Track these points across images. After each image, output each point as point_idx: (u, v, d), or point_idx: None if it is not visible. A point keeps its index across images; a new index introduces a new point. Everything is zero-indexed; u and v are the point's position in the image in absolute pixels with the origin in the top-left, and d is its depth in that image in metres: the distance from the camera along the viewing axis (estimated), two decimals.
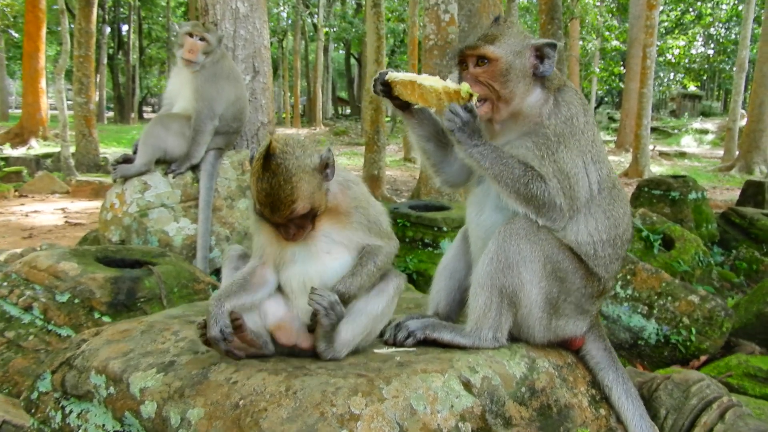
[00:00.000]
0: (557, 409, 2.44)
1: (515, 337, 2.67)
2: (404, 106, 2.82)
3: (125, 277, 4.51)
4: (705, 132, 40.10)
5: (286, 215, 2.33)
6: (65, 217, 13.62)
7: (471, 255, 2.92)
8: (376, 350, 2.43)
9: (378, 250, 2.58)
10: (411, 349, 2.53)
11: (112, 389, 2.39)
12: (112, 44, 52.98)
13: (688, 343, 5.51)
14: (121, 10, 52.75)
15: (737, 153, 26.83)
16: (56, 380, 2.63)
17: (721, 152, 31.33)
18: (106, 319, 4.33)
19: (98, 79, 37.86)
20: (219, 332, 2.27)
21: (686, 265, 7.84)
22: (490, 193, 2.77)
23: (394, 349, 2.54)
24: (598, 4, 37.43)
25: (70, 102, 25.04)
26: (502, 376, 2.35)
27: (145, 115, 58.57)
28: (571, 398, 2.52)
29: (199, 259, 5.96)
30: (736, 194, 17.44)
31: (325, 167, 2.45)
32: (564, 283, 2.62)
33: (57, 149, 20.21)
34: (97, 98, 27.94)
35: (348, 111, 64.13)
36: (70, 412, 2.54)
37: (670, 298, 5.65)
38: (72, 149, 19.10)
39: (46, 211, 14.07)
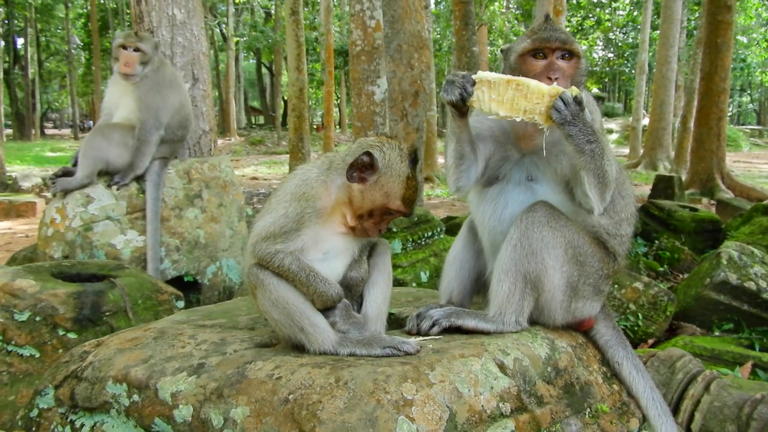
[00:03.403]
0: (579, 386, 2.56)
1: (532, 321, 2.76)
2: (463, 113, 2.77)
3: (88, 292, 4.35)
4: (610, 132, 42.08)
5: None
6: None
7: (482, 246, 3.02)
8: (405, 340, 2.46)
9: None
10: (437, 337, 2.60)
11: (136, 397, 2.33)
12: (7, 58, 50.44)
13: (636, 328, 5.81)
14: (15, 22, 50.32)
15: (642, 151, 28.31)
16: (63, 394, 2.52)
17: (626, 150, 32.91)
18: (71, 335, 4.17)
19: None
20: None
21: None
22: (507, 190, 2.88)
23: (421, 338, 2.60)
24: (504, 10, 38.69)
25: None
26: (530, 358, 2.45)
27: (47, 131, 55.97)
28: (588, 376, 2.64)
29: (150, 270, 5.80)
30: (644, 189, 18.40)
31: None
32: (584, 266, 2.73)
33: None
34: None
35: (261, 120, 63.50)
36: (81, 426, 2.45)
37: (616, 286, 5.94)
38: None
39: None
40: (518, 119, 2.59)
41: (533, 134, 2.85)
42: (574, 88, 2.61)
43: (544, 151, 2.69)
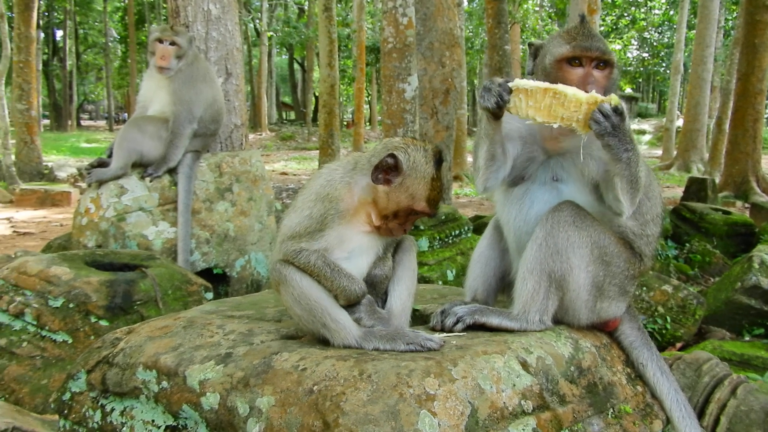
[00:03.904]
0: (602, 386, 2.57)
1: (557, 320, 2.78)
2: (498, 117, 2.76)
3: (120, 281, 4.45)
4: (643, 132, 41.49)
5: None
6: (12, 227, 13.17)
7: (507, 245, 3.03)
8: (428, 336, 2.49)
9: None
10: (461, 333, 2.62)
11: (165, 384, 2.40)
12: (47, 50, 51.47)
13: (664, 331, 5.76)
14: (55, 14, 51.35)
15: (675, 152, 27.89)
16: (94, 379, 2.60)
17: (658, 152, 32.44)
18: (103, 323, 4.27)
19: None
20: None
21: None
22: (532, 189, 2.89)
23: (444, 334, 2.63)
24: (537, 9, 38.36)
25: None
26: (553, 356, 2.46)
27: (83, 123, 56.92)
28: (612, 376, 2.65)
29: (180, 262, 5.89)
30: (677, 191, 18.15)
31: None
32: (609, 266, 2.74)
33: None
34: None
35: (292, 116, 63.90)
36: (112, 410, 2.52)
37: (645, 288, 5.89)
38: (12, 157, 18.49)
39: None
40: (556, 125, 2.58)
41: (560, 136, 2.85)
42: (614, 96, 2.57)
43: (582, 156, 2.68)
